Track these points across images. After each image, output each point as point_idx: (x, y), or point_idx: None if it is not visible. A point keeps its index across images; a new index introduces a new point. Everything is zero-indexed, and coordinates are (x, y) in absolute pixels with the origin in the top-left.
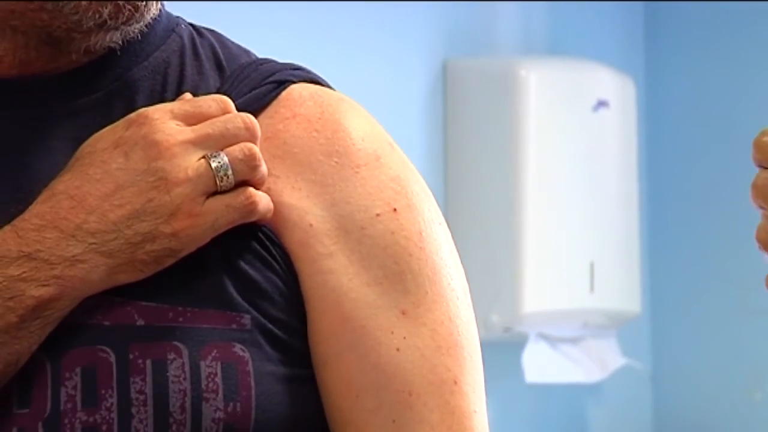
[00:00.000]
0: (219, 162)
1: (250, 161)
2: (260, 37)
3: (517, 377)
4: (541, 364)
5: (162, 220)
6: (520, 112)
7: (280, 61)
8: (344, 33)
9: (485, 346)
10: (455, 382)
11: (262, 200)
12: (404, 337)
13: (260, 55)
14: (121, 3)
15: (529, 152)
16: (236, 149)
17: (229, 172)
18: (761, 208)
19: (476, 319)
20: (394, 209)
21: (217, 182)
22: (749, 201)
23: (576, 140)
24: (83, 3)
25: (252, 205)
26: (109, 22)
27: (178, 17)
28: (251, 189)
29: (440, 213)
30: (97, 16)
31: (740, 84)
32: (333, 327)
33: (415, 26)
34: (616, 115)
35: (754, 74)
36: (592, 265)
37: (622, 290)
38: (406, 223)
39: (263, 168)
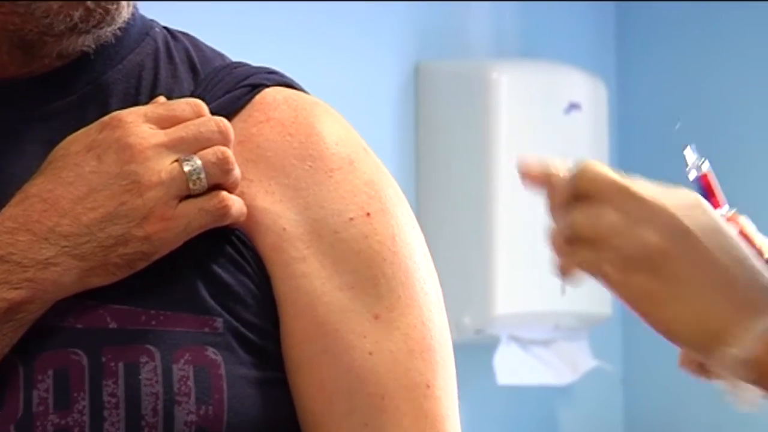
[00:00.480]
0: (192, 165)
1: (223, 165)
2: (231, 38)
3: (488, 379)
4: (513, 366)
5: (135, 223)
6: (492, 114)
7: (254, 64)
8: (316, 35)
9: (457, 348)
10: (428, 386)
11: (235, 204)
12: (377, 341)
13: (233, 57)
14: (91, 6)
15: (501, 155)
16: (209, 153)
17: (202, 175)
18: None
19: (448, 322)
20: (368, 213)
21: (190, 186)
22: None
23: (547, 143)
24: (54, 6)
25: (225, 209)
26: (80, 25)
27: (152, 21)
28: (224, 193)
29: (413, 217)
30: (68, 19)
31: (711, 86)
32: (306, 331)
33: (387, 28)
34: (587, 117)
35: (725, 77)
36: None
37: (593, 292)
38: (380, 227)
39: (236, 171)
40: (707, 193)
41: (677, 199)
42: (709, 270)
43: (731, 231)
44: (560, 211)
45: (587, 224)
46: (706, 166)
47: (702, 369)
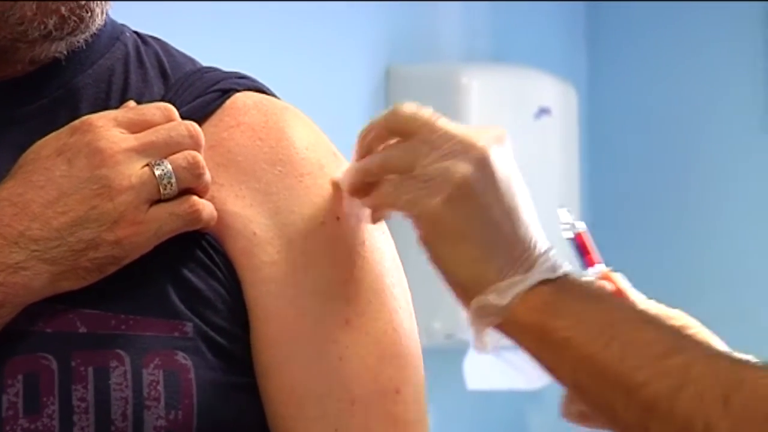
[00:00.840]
0: (163, 170)
1: (194, 169)
2: (200, 41)
3: (458, 384)
4: (483, 371)
5: (105, 227)
6: (462, 118)
7: (225, 69)
8: (286, 38)
9: (427, 352)
10: (397, 392)
11: (206, 208)
12: (347, 346)
13: (202, 60)
14: (66, 14)
15: None
16: (180, 157)
17: (173, 179)
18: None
19: (418, 326)
20: (338, 218)
21: (161, 190)
22: (687, 205)
23: (518, 147)
24: (28, 14)
25: (195, 213)
26: (54, 33)
27: (122, 25)
28: (195, 197)
29: (383, 222)
30: (42, 26)
31: (681, 90)
32: (276, 336)
33: (358, 32)
34: (557, 122)
35: (695, 80)
36: None
37: None
38: (350, 231)
39: (207, 176)
40: (582, 251)
41: (488, 138)
42: (500, 217)
43: (521, 182)
44: (371, 150)
45: (400, 156)
46: (581, 226)
47: (582, 417)
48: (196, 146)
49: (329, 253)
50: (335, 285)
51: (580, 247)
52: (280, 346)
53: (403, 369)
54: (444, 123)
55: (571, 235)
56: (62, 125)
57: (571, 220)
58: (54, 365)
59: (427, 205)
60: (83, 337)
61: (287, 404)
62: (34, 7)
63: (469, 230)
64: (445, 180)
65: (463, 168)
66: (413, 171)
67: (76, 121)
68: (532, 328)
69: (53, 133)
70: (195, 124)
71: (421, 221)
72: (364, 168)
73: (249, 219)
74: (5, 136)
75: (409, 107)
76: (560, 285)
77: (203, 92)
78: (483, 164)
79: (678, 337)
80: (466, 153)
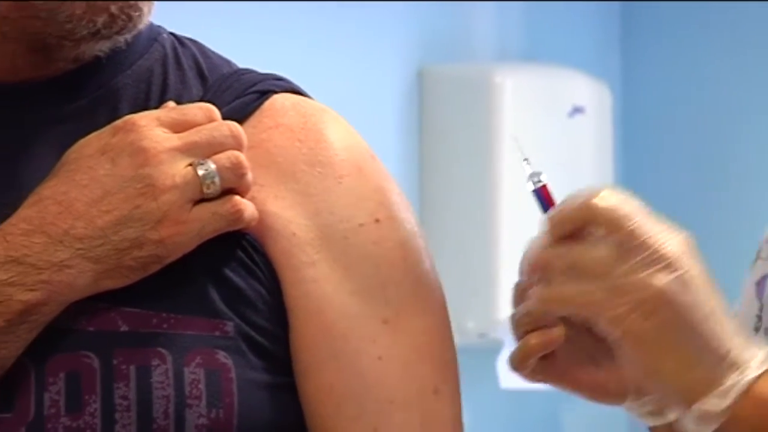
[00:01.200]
0: (206, 169)
1: (237, 169)
2: (232, 41)
3: (492, 383)
4: None
5: (149, 226)
6: (496, 118)
7: (261, 71)
8: (319, 39)
9: (460, 351)
10: (436, 391)
11: (248, 208)
12: (386, 346)
13: (234, 59)
14: (116, 13)
15: (504, 159)
16: (223, 157)
17: (216, 179)
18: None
19: (452, 325)
20: (377, 220)
21: (204, 189)
22: (723, 205)
23: (551, 146)
24: (78, 12)
25: (238, 213)
26: (102, 31)
27: (159, 26)
28: (237, 197)
29: (419, 224)
30: (91, 25)
31: (716, 89)
32: (315, 336)
33: (390, 33)
34: (591, 121)
35: (729, 79)
36: None
37: None
38: (389, 233)
39: (249, 176)
40: (547, 202)
41: (679, 245)
42: (702, 322)
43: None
44: (560, 240)
45: (595, 259)
46: (544, 178)
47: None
48: (239, 146)
49: (368, 254)
50: (374, 286)
51: (545, 197)
52: (319, 346)
53: (441, 368)
54: (642, 227)
55: (535, 187)
56: (102, 125)
57: (533, 173)
58: (96, 363)
59: (633, 324)
60: (125, 335)
61: (326, 404)
62: (84, 5)
63: (676, 343)
64: (648, 296)
65: (665, 282)
66: (606, 279)
67: (119, 121)
68: (758, 424)
69: (95, 133)
70: (237, 125)
71: (626, 338)
72: (556, 254)
73: (289, 220)
74: (45, 135)
75: (609, 199)
76: None
77: (241, 94)
78: (685, 280)
79: None
80: (667, 265)
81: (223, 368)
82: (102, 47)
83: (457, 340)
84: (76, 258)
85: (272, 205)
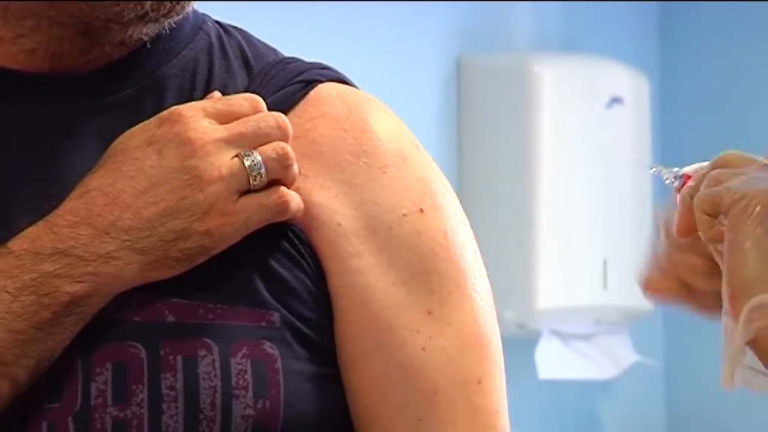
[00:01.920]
0: (252, 160)
1: (283, 160)
2: (272, 36)
3: (530, 373)
4: (554, 361)
5: (195, 218)
6: (534, 108)
7: (306, 60)
8: (358, 30)
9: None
10: (479, 382)
11: (294, 199)
12: (430, 337)
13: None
14: None
15: (543, 149)
16: (269, 148)
17: (263, 170)
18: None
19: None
20: (421, 209)
21: (251, 181)
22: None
23: (590, 137)
24: None
25: (284, 204)
26: (150, 14)
27: (204, 15)
28: (283, 188)
29: (464, 214)
30: (139, 7)
31: (754, 81)
32: (360, 326)
33: (429, 23)
34: (629, 111)
35: None
36: (605, 262)
37: (635, 287)
38: (433, 223)
39: (295, 167)
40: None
41: None
42: None
43: None
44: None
45: (735, 186)
46: (683, 171)
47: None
48: (284, 137)
49: (412, 244)
50: (418, 276)
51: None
52: (364, 336)
53: (485, 359)
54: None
55: (679, 183)
56: (147, 115)
57: (670, 174)
58: (143, 354)
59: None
60: (171, 326)
61: (370, 395)
62: None
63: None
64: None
65: None
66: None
67: (165, 112)
68: None
69: (141, 124)
70: (282, 115)
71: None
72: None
73: (334, 210)
74: (91, 125)
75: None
76: None
77: (287, 83)
78: None
79: None
80: None
81: (269, 359)
82: (148, 31)
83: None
84: (122, 250)
85: (317, 196)
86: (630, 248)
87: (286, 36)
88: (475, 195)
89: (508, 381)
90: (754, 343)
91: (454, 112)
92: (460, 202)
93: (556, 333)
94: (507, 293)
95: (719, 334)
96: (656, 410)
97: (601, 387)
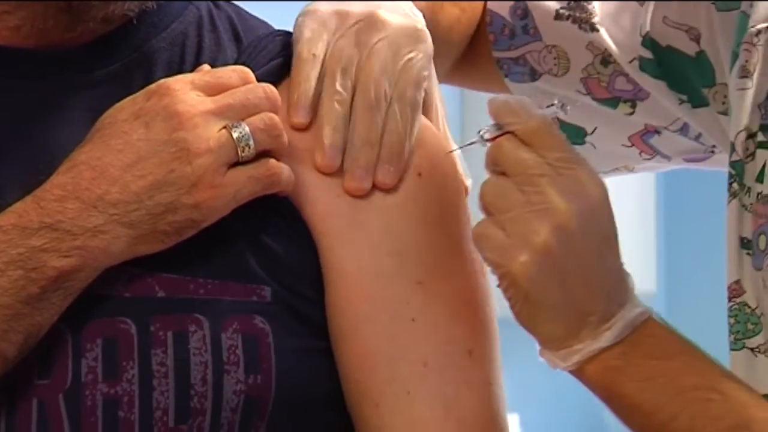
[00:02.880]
0: (240, 132)
1: (272, 131)
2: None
3: (531, 354)
4: None
5: (184, 191)
6: None
7: None
8: None
9: (503, 322)
10: (470, 353)
11: (284, 171)
12: (420, 308)
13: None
14: None
15: None
16: (257, 119)
17: (251, 142)
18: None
19: (494, 296)
20: (419, 174)
21: (239, 152)
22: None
23: None
24: None
25: (274, 176)
26: None
27: None
28: (273, 160)
29: (463, 178)
30: None
31: None
32: (350, 299)
33: None
34: None
35: None
36: None
37: (637, 269)
38: (429, 190)
39: (284, 138)
40: None
41: (581, 200)
42: (575, 282)
43: (616, 239)
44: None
45: (494, 195)
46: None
47: None
48: (274, 108)
49: (406, 214)
50: (410, 246)
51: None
52: (354, 308)
53: (476, 330)
54: (543, 171)
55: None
56: (136, 89)
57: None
58: (133, 330)
59: (507, 267)
60: (162, 301)
61: (360, 368)
62: None
63: (541, 295)
64: (525, 242)
65: (544, 233)
66: (501, 215)
67: (153, 85)
68: (600, 389)
69: (129, 97)
70: (272, 86)
71: (500, 280)
72: None
73: (328, 182)
74: (79, 100)
75: (514, 149)
76: (631, 343)
77: (276, 55)
78: (566, 232)
79: (747, 407)
80: (553, 215)
81: (260, 333)
82: (131, 6)
83: (500, 310)
84: (110, 223)
85: (311, 169)
86: (632, 230)
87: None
88: (480, 175)
89: (512, 360)
90: (578, 374)
91: (457, 112)
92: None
93: None
94: None
95: (722, 317)
96: None
97: None
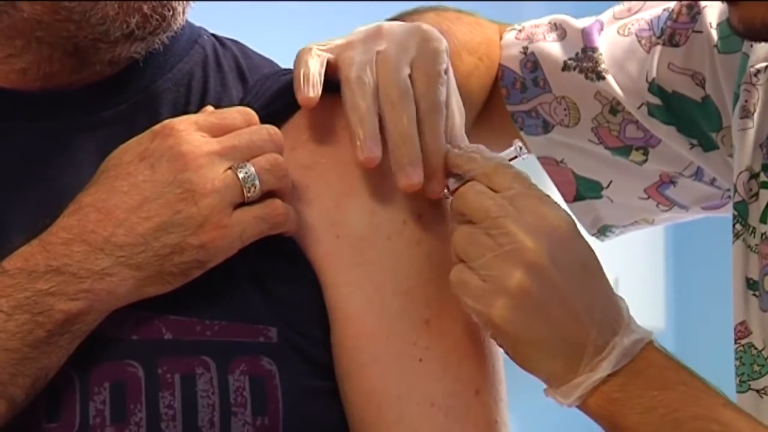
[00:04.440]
0: (246, 172)
1: (277, 171)
2: (276, 35)
3: (540, 391)
4: None
5: (190, 231)
6: None
7: None
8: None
9: (508, 358)
10: (477, 393)
11: (290, 212)
12: (427, 348)
13: (281, 61)
14: (149, 13)
15: None
16: (262, 160)
17: (257, 182)
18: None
19: None
20: (419, 215)
21: (245, 193)
22: None
23: None
24: (111, 13)
25: (280, 216)
26: (136, 32)
27: (200, 28)
28: (278, 200)
29: None
30: (125, 26)
31: None
32: (356, 338)
33: None
34: None
35: None
36: (616, 281)
37: (646, 305)
38: (431, 230)
39: (289, 178)
40: None
41: (548, 234)
42: (560, 317)
43: (596, 265)
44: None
45: (462, 245)
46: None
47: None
48: (278, 150)
49: (411, 254)
50: (416, 286)
51: None
52: (360, 348)
53: (483, 369)
54: (506, 212)
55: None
56: (141, 130)
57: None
58: (140, 372)
59: (486, 315)
60: (169, 343)
61: (367, 408)
62: (116, 6)
63: (529, 335)
64: (500, 287)
65: (517, 274)
66: (473, 262)
67: (157, 126)
68: (604, 421)
69: (134, 138)
70: (275, 128)
71: (485, 328)
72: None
73: (332, 222)
74: (85, 141)
75: (474, 194)
76: (630, 373)
77: (281, 95)
78: (539, 268)
79: None
80: (522, 254)
81: (267, 375)
82: (137, 49)
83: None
84: (117, 266)
85: (316, 207)
86: (642, 267)
87: (288, 35)
88: None
89: (518, 398)
90: (583, 408)
91: None
92: None
93: None
94: None
95: (730, 353)
96: None
97: None
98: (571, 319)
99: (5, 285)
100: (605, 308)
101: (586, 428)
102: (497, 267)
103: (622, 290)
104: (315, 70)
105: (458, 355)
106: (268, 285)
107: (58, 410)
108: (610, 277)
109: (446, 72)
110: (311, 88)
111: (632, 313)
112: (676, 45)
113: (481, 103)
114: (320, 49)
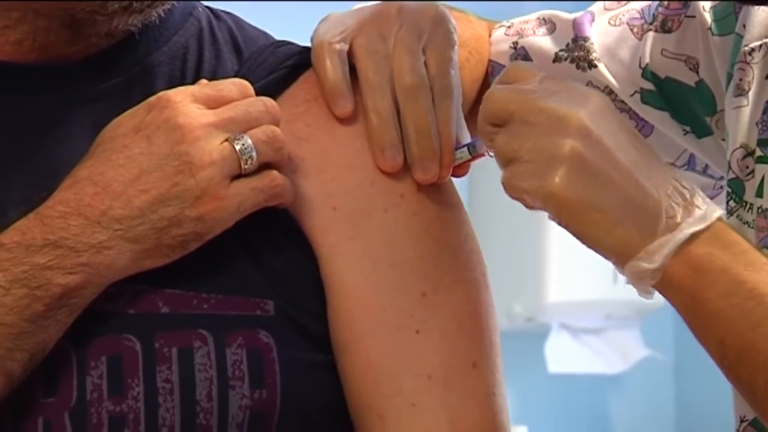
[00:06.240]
0: (243, 144)
1: (274, 143)
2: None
3: (539, 367)
4: (564, 355)
5: (188, 204)
6: None
7: (298, 43)
8: None
9: (508, 335)
10: (474, 365)
11: (287, 183)
12: (424, 320)
13: (276, 34)
14: None
15: None
16: (259, 131)
17: (253, 154)
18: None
19: (499, 309)
20: (417, 188)
21: (242, 165)
22: None
23: None
24: None
25: (277, 188)
26: (134, 4)
27: (194, 1)
28: (275, 172)
29: (458, 194)
30: None
31: None
32: (352, 311)
33: None
34: None
35: None
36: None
37: None
38: (429, 203)
39: (286, 150)
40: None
41: (587, 106)
42: (621, 178)
43: (636, 133)
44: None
45: (504, 144)
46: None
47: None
48: (274, 121)
49: (408, 226)
50: (412, 258)
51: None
52: (357, 321)
53: (480, 342)
54: (537, 95)
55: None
56: (137, 103)
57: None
58: (138, 347)
59: (545, 188)
60: (166, 317)
61: (364, 381)
62: None
63: (594, 199)
64: (554, 158)
65: (568, 142)
66: (519, 157)
67: (153, 98)
68: (683, 294)
69: (129, 111)
70: (272, 100)
71: (547, 205)
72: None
73: (328, 194)
74: (80, 114)
75: (500, 92)
76: (713, 238)
77: (277, 68)
78: (586, 132)
79: None
80: (567, 126)
81: (265, 348)
82: (134, 21)
83: (505, 324)
84: (114, 239)
85: (313, 180)
86: None
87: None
88: (485, 188)
89: (517, 374)
90: (660, 286)
91: None
92: (470, 195)
93: (566, 327)
94: (517, 287)
95: None
96: (666, 405)
97: (611, 381)
98: (631, 182)
99: (2, 259)
100: (666, 174)
101: (582, 405)
102: (545, 143)
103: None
104: (339, 75)
105: (455, 328)
106: (264, 258)
107: (56, 385)
108: (605, 265)
109: (455, 53)
110: (345, 100)
111: (631, 289)
112: (669, 31)
113: (471, 98)
114: (334, 41)
